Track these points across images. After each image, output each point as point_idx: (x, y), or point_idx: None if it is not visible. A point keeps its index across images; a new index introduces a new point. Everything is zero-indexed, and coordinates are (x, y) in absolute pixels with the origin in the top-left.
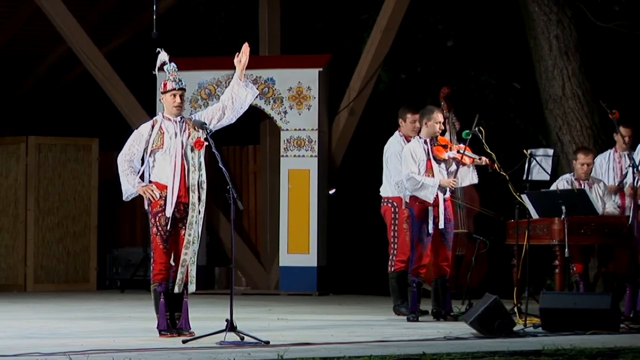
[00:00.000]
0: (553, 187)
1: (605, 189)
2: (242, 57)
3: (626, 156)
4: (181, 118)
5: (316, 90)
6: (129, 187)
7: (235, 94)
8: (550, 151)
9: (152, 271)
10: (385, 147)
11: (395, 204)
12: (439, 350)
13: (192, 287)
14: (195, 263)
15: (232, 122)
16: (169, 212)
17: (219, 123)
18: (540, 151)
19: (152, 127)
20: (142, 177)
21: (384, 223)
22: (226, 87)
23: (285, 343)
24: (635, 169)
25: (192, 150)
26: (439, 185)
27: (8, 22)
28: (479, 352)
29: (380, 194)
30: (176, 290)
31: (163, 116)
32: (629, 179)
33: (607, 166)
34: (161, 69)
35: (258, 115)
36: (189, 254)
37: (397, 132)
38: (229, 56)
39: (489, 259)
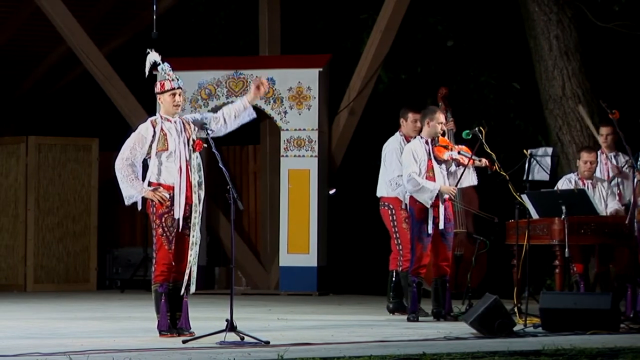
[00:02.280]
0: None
1: (609, 190)
2: (263, 88)
3: (613, 157)
4: (179, 118)
5: (316, 90)
6: (134, 192)
7: (237, 113)
8: (550, 151)
9: (153, 272)
10: (384, 145)
11: (391, 206)
12: (439, 350)
13: (192, 287)
14: (197, 264)
15: (220, 135)
16: (177, 213)
17: (215, 132)
18: (540, 151)
19: (154, 128)
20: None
21: (384, 224)
22: (226, 88)
23: (285, 343)
24: (635, 169)
25: (193, 151)
26: (439, 191)
27: (8, 22)
28: (479, 352)
29: (377, 194)
30: (192, 290)
31: (161, 117)
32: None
33: (595, 167)
34: (154, 69)
35: (258, 115)
36: (193, 255)
37: (397, 132)
38: (229, 56)
39: (489, 259)
